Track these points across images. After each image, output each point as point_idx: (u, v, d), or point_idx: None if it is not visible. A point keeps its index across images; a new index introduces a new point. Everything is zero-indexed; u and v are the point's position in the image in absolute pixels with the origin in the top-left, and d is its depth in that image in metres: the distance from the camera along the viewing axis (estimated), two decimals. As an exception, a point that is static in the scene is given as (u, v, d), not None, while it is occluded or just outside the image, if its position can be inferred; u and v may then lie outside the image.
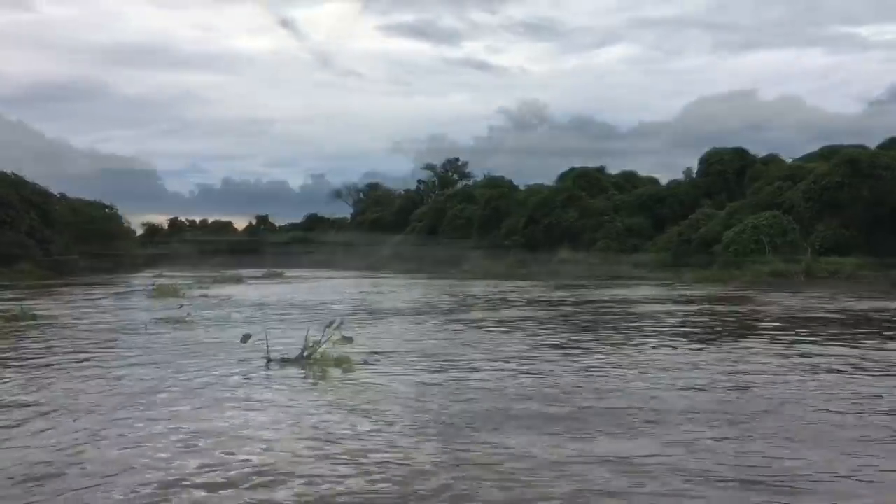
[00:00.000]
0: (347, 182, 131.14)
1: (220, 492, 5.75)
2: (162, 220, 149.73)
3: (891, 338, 15.18)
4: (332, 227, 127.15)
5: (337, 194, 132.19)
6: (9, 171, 61.03)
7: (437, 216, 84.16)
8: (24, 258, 52.06)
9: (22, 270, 49.29)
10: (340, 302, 25.99)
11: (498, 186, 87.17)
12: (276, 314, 21.19)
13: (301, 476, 6.11)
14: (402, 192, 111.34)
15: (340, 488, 5.85)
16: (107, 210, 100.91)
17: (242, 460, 6.54)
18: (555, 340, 14.81)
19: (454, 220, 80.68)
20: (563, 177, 74.02)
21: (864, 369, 11.11)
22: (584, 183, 67.72)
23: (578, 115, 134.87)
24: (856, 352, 12.87)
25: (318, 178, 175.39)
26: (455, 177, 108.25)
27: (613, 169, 76.68)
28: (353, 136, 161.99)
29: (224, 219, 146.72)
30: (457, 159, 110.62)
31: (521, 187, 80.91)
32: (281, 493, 5.75)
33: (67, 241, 63.58)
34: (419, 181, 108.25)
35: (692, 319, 19.15)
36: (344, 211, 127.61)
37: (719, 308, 22.68)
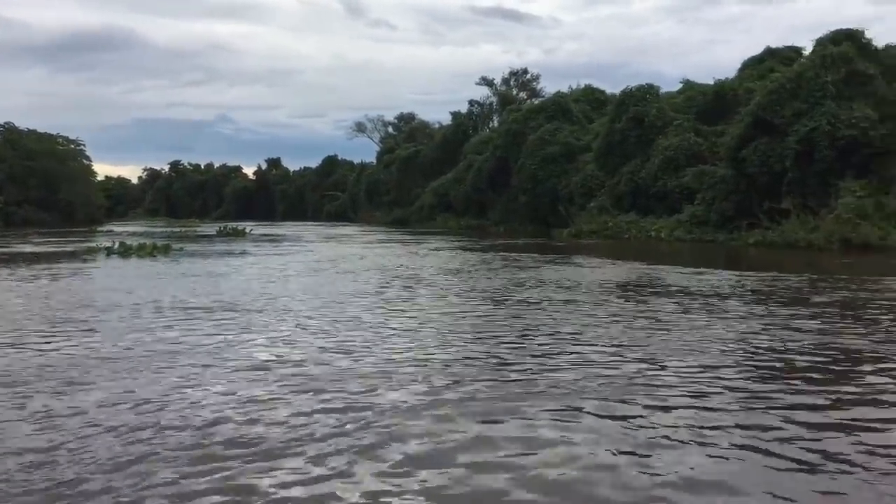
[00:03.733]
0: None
1: None
2: (163, 165, 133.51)
3: None
4: (352, 170, 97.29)
5: (359, 128, 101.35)
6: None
7: (514, 141, 52.62)
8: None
9: None
10: None
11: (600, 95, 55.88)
12: None
13: None
14: (444, 125, 79.56)
15: None
16: (59, 145, 74.39)
17: None
18: None
19: (543, 146, 49.17)
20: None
21: None
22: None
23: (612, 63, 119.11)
24: None
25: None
26: (522, 95, 76.19)
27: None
28: (381, 88, 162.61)
29: (233, 163, 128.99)
30: (525, 71, 78.54)
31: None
32: None
33: None
34: (471, 102, 76.26)
35: None
36: (368, 153, 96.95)
37: None
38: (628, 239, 34.98)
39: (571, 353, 8.33)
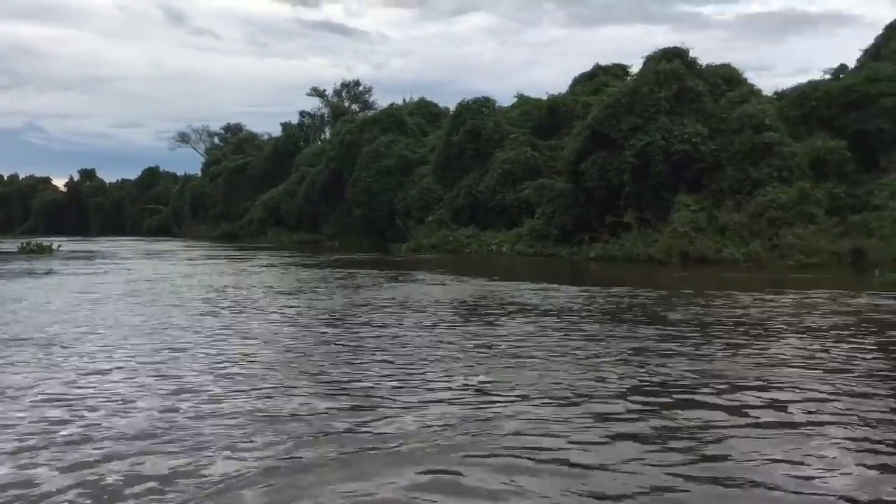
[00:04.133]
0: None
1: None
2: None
3: None
4: (175, 182, 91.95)
5: (182, 138, 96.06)
6: None
7: (348, 153, 51.01)
8: None
9: None
10: None
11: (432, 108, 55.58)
12: None
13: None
14: (274, 136, 76.69)
15: None
16: None
17: None
18: None
19: (378, 158, 47.92)
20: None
21: None
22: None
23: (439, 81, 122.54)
24: None
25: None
26: (355, 107, 74.73)
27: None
28: (205, 98, 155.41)
29: (44, 174, 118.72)
30: (357, 83, 77.15)
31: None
32: None
33: None
34: (302, 113, 73.87)
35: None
36: (193, 165, 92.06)
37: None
38: (469, 253, 34.20)
39: (430, 389, 6.85)
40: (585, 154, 30.19)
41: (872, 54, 33.68)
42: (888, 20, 36.87)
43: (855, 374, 7.77)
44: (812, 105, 30.36)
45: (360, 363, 8.51)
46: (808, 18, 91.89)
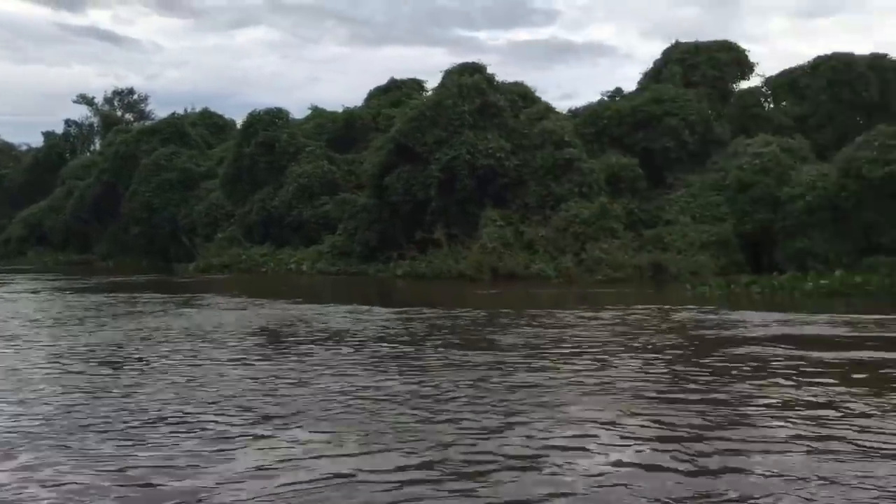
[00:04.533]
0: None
1: None
2: None
3: None
4: None
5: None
6: None
7: (123, 165, 46.69)
8: None
9: None
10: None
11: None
12: None
13: None
14: (35, 146, 69.29)
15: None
16: None
17: None
18: None
19: (158, 171, 44.24)
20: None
21: None
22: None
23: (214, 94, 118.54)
24: None
25: None
26: (129, 117, 69.18)
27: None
28: None
29: None
30: (130, 91, 71.59)
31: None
32: None
33: None
34: (68, 122, 67.30)
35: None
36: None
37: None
38: (266, 273, 32.01)
39: (234, 458, 5.29)
40: (390, 168, 29.18)
41: (653, 77, 35.51)
42: (641, 51, 39.39)
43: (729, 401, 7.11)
44: (604, 123, 31.37)
45: (145, 421, 6.67)
46: (571, 48, 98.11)
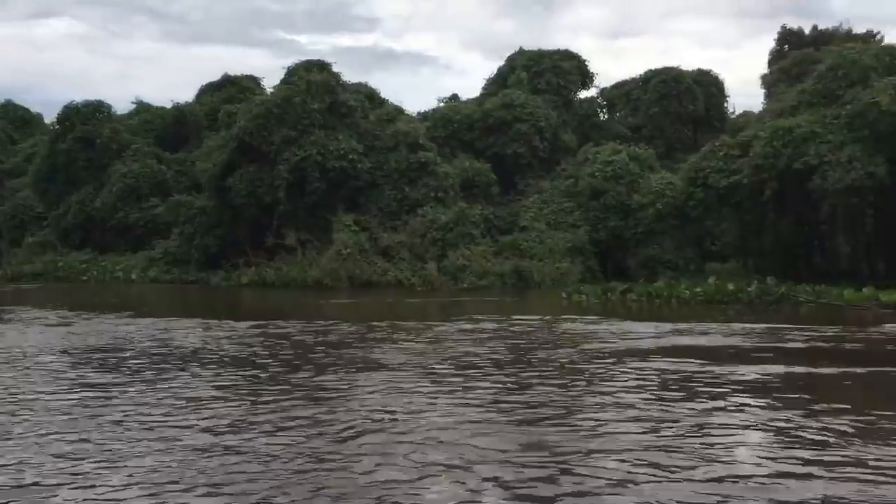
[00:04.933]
0: None
1: None
2: None
3: None
4: None
5: None
6: None
7: None
8: None
9: None
10: None
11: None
12: None
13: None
14: None
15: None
16: None
17: None
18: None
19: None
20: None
21: None
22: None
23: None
24: None
25: None
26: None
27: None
28: None
29: None
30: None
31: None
32: None
33: None
34: None
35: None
36: None
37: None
38: (87, 281, 28.83)
39: None
40: (232, 168, 27.08)
41: (498, 82, 35.43)
42: (460, 62, 39.43)
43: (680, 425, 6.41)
44: (454, 127, 30.86)
45: None
46: (393, 55, 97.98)
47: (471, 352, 10.74)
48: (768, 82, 40.66)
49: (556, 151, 31.02)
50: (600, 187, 26.75)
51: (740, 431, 6.47)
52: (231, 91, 37.38)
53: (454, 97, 37.50)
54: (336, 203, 26.38)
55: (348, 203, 26.61)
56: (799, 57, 35.08)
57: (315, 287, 23.32)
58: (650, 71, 38.72)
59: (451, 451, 5.78)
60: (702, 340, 12.03)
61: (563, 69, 34.53)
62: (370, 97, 32.40)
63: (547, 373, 9.17)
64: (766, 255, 24.08)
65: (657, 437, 6.17)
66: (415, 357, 10.27)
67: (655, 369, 9.28)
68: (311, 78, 27.63)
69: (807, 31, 44.19)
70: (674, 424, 6.58)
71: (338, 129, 27.29)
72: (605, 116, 38.68)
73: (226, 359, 10.42)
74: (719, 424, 6.65)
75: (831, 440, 6.08)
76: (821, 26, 43.81)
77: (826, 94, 23.20)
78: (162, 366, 9.89)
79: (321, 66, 30.06)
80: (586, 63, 36.20)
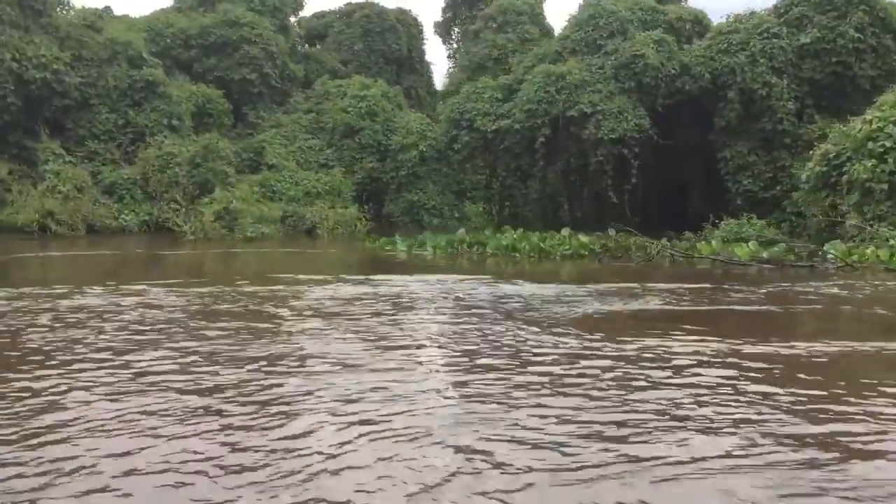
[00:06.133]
0: None
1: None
2: None
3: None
4: None
5: None
6: None
7: None
8: None
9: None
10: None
11: None
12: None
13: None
14: None
15: None
16: None
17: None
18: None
19: None
20: None
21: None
22: None
23: None
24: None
25: None
26: None
27: None
28: None
29: None
30: None
31: None
32: None
33: None
34: None
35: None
36: None
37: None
38: None
39: None
40: None
41: None
42: None
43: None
44: (166, 42, 26.01)
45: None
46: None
47: (458, 335, 7.81)
48: (441, 30, 39.97)
49: (286, 82, 27.80)
50: (355, 124, 24.47)
51: None
52: None
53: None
54: (37, 127, 20.54)
55: (55, 127, 20.91)
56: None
57: (12, 233, 17.66)
58: (351, 3, 36.80)
59: None
60: (653, 305, 10.36)
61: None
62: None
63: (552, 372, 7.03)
64: (531, 203, 24.06)
65: None
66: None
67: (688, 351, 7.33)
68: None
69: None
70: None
71: (31, 30, 21.12)
72: (307, 47, 36.03)
73: None
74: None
75: None
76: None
77: (588, 42, 23.52)
78: None
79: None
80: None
